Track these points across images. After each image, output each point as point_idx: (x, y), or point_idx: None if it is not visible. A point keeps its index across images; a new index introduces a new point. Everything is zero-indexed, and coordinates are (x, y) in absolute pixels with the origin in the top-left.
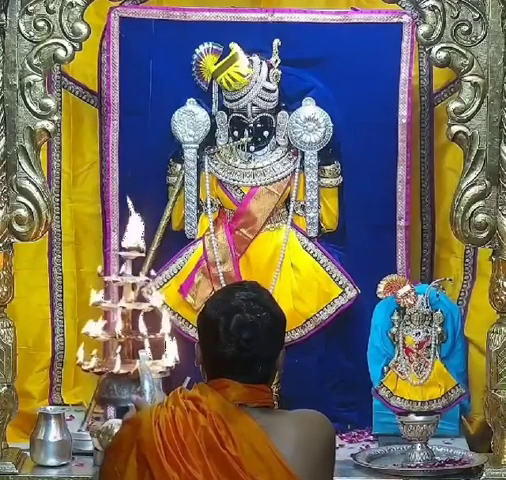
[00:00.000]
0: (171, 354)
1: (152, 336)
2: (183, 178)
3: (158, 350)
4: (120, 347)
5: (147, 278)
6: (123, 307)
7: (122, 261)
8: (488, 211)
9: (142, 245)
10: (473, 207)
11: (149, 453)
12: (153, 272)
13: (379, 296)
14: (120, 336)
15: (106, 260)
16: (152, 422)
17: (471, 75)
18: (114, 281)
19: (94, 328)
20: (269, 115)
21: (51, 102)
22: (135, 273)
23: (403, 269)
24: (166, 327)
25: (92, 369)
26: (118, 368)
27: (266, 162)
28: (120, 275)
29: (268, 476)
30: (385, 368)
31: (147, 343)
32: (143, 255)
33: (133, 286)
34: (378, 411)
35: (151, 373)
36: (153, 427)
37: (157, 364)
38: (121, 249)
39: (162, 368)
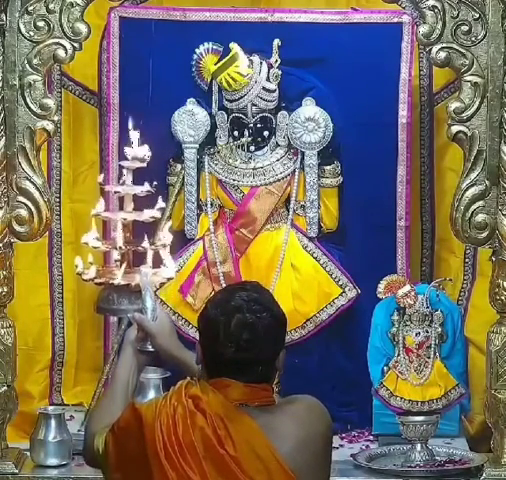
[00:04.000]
0: (170, 265)
1: (153, 247)
2: (183, 178)
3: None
4: (120, 257)
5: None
6: (124, 218)
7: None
8: (488, 211)
9: (146, 156)
10: (473, 207)
11: (150, 449)
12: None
13: (379, 296)
14: (121, 247)
15: (105, 171)
16: (155, 418)
17: (471, 75)
18: (115, 192)
19: (92, 238)
20: (269, 115)
21: (51, 102)
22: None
23: (403, 269)
24: (167, 238)
25: (92, 279)
26: (119, 280)
27: (266, 162)
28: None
29: (266, 477)
30: (385, 368)
31: (150, 257)
32: (144, 165)
33: (134, 197)
34: (378, 411)
35: (153, 290)
36: (155, 423)
37: (157, 274)
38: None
39: (162, 279)
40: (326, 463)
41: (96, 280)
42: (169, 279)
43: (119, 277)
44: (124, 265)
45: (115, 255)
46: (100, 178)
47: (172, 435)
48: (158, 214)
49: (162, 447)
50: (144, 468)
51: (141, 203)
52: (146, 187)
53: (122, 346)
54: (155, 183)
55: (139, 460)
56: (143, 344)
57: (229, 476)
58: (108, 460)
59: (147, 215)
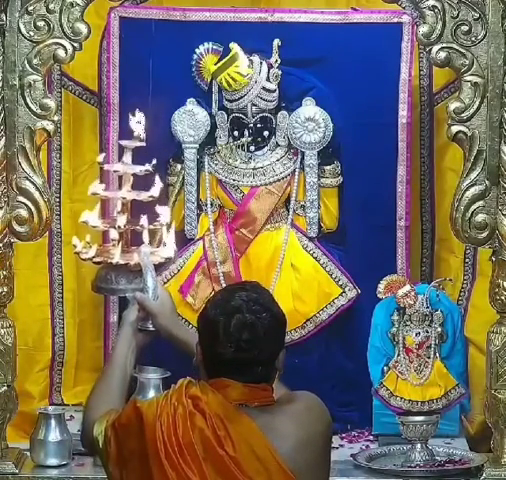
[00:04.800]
0: (169, 244)
1: (151, 226)
2: (183, 178)
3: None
4: (119, 236)
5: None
6: (123, 197)
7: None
8: (488, 211)
9: (143, 136)
10: (473, 207)
11: (150, 448)
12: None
13: (379, 296)
14: (120, 227)
15: (106, 150)
16: (156, 417)
17: (471, 75)
18: (114, 171)
19: (91, 217)
20: (269, 115)
21: (51, 102)
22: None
23: (403, 269)
24: (165, 217)
25: (91, 258)
26: (117, 259)
27: (266, 162)
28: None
29: (266, 477)
30: (385, 368)
31: (146, 237)
32: (144, 145)
33: (133, 175)
34: (378, 411)
35: (154, 269)
36: (156, 423)
37: (155, 254)
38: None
39: (161, 258)
40: (326, 463)
41: (94, 259)
42: (167, 259)
43: (117, 256)
44: (121, 244)
45: (112, 234)
46: (100, 158)
47: (172, 435)
48: (157, 194)
49: (162, 446)
50: (144, 466)
51: (138, 185)
52: (145, 166)
53: (120, 326)
54: (154, 162)
55: (139, 458)
56: (144, 323)
57: (228, 477)
58: (108, 455)
59: (146, 194)
